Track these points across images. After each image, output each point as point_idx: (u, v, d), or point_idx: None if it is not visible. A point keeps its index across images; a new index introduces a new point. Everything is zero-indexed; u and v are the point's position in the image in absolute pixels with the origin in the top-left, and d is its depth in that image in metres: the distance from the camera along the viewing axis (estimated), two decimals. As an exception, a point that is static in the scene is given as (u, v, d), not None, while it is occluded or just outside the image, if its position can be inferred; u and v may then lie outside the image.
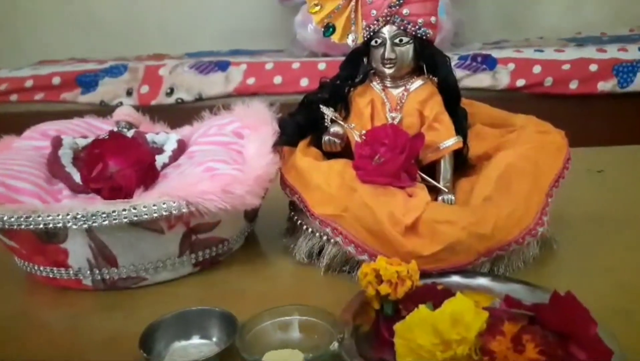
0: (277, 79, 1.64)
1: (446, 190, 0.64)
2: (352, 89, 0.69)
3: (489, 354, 0.42)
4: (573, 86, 1.55)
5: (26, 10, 2.21)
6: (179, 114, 1.55)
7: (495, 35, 2.16)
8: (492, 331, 0.43)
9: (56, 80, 1.69)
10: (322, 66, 1.63)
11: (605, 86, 1.54)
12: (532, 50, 1.63)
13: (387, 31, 0.63)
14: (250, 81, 1.64)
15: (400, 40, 0.64)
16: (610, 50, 1.58)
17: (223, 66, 1.67)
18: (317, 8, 0.66)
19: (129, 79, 1.69)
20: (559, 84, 1.55)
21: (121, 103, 1.65)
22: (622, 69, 1.54)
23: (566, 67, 1.55)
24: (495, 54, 1.62)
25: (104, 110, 1.63)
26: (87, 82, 1.69)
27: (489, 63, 1.59)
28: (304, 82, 1.62)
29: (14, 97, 1.70)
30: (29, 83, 1.70)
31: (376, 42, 0.64)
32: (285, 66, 1.66)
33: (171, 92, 1.66)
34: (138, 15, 2.21)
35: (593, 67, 1.54)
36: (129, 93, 1.67)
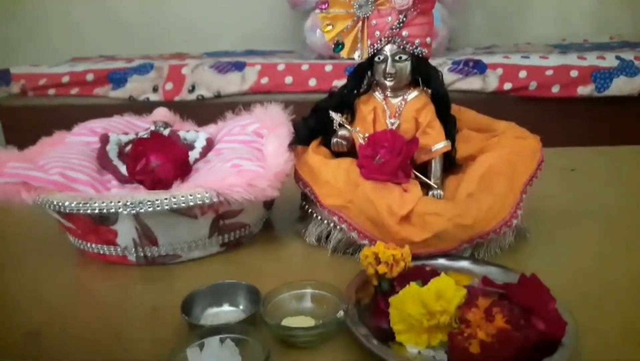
0: (288, 79, 1.63)
1: (436, 186, 0.66)
2: (357, 98, 0.71)
3: (465, 322, 0.44)
4: (555, 90, 1.55)
5: (59, 11, 2.21)
6: (200, 109, 1.59)
7: (487, 41, 2.15)
8: (469, 305, 0.46)
9: (90, 76, 1.69)
10: (328, 68, 1.61)
11: (584, 90, 1.54)
12: (519, 57, 1.62)
13: (388, 49, 0.65)
14: (264, 80, 1.63)
15: (400, 58, 0.65)
16: (590, 58, 1.58)
17: (239, 67, 1.67)
18: (329, 28, 0.68)
19: (155, 77, 1.69)
20: (542, 88, 1.55)
21: (148, 99, 1.67)
22: (599, 76, 1.54)
23: (549, 72, 1.55)
24: (486, 59, 1.60)
25: (132, 104, 1.65)
26: (118, 79, 1.69)
27: (480, 68, 1.57)
28: (312, 83, 1.61)
29: (51, 91, 1.71)
30: (65, 79, 1.69)
31: (379, 58, 0.66)
32: (296, 67, 1.65)
33: (193, 89, 1.65)
34: (161, 17, 2.21)
35: (574, 73, 1.54)
36: (155, 89, 1.67)
